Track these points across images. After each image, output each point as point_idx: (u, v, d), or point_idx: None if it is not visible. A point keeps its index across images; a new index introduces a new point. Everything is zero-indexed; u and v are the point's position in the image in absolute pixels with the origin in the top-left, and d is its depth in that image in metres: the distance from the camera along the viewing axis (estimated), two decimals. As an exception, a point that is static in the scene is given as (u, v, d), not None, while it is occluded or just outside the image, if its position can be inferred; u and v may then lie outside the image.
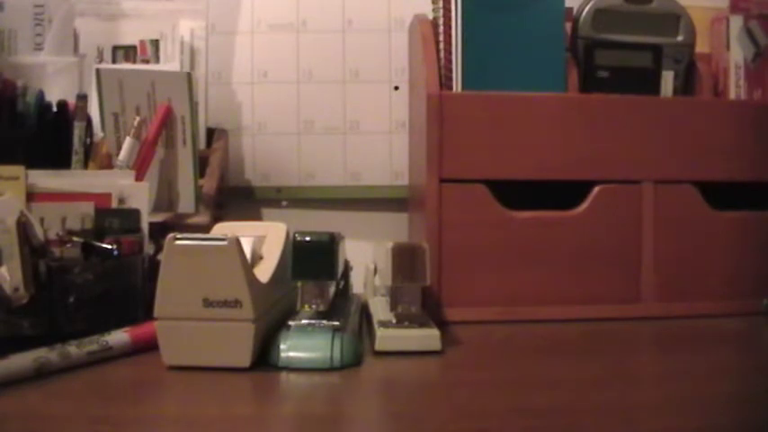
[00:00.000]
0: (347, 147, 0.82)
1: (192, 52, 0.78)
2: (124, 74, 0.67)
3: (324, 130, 0.82)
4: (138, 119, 0.63)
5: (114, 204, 0.56)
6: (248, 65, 0.82)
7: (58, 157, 0.60)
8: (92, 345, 0.42)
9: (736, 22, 0.68)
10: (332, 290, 0.48)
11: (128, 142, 0.62)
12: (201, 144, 0.74)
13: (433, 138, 0.58)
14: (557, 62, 0.62)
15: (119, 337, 0.44)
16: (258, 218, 0.82)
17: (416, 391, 0.40)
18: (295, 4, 0.82)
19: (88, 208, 0.54)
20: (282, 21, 0.82)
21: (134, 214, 0.55)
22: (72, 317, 0.45)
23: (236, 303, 0.40)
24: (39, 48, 0.71)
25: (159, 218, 0.61)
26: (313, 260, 0.44)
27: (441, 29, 0.62)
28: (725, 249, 0.61)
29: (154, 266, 0.50)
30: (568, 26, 0.64)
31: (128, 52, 0.78)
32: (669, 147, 0.60)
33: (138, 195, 0.56)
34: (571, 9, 0.65)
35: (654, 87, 0.64)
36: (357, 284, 0.65)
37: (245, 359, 0.41)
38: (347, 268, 0.60)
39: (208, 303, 0.40)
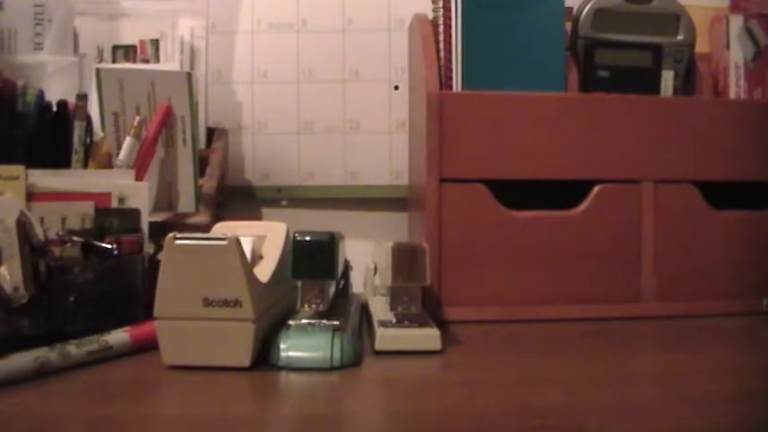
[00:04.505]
0: (347, 146, 0.82)
1: (192, 52, 0.78)
2: (124, 73, 0.67)
3: (324, 129, 0.82)
4: (138, 118, 0.63)
5: (114, 204, 0.56)
6: (248, 64, 0.82)
7: (57, 157, 0.60)
8: (92, 344, 0.42)
9: (736, 22, 0.68)
10: (332, 289, 0.48)
11: (128, 142, 0.62)
12: (201, 144, 0.74)
13: (433, 138, 0.58)
14: (557, 62, 0.62)
15: (119, 336, 0.44)
16: (258, 217, 0.82)
17: (416, 390, 0.40)
18: (295, 4, 0.82)
19: (88, 208, 0.54)
20: (282, 20, 0.82)
21: (134, 214, 0.55)
22: (72, 317, 0.45)
23: (236, 303, 0.40)
24: (39, 48, 0.71)
25: (159, 218, 0.61)
26: (313, 260, 0.44)
27: (441, 29, 0.62)
28: (725, 249, 0.61)
29: (154, 266, 0.49)
30: (568, 26, 0.64)
31: (128, 52, 0.78)
32: (669, 147, 0.60)
33: (138, 195, 0.56)
34: (571, 9, 0.65)
35: (654, 87, 0.64)
36: (357, 284, 0.65)
37: (245, 359, 0.41)
38: (347, 268, 0.61)
39: (208, 303, 0.40)
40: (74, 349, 0.41)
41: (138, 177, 0.60)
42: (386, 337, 0.46)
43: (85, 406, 0.35)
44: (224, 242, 0.40)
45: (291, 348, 0.42)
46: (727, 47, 0.69)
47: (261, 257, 0.48)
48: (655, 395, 0.37)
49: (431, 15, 0.65)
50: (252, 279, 0.41)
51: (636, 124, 0.60)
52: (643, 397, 0.37)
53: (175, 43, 0.77)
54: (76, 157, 0.61)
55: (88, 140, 0.62)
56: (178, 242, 0.40)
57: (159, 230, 0.58)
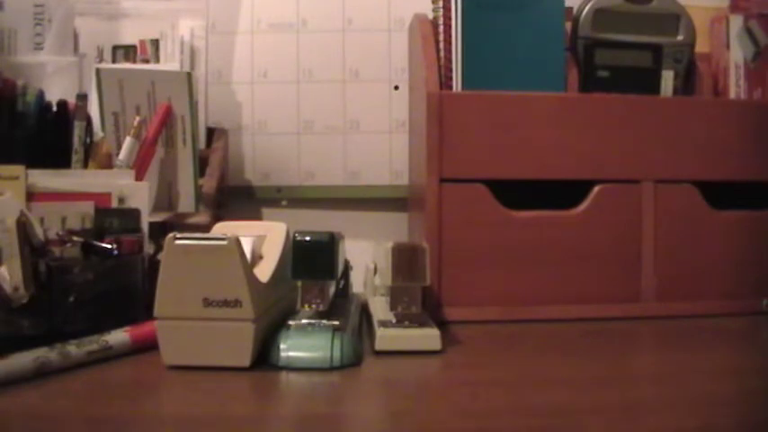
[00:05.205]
0: (347, 146, 0.82)
1: (192, 52, 0.78)
2: (124, 73, 0.67)
3: (324, 129, 0.82)
4: (138, 118, 0.63)
5: (114, 204, 0.56)
6: (248, 64, 0.82)
7: (57, 157, 0.60)
8: (92, 345, 0.42)
9: (736, 22, 0.68)
10: (332, 289, 0.48)
11: (128, 142, 0.62)
12: (201, 144, 0.74)
13: (433, 138, 0.58)
14: (557, 62, 0.62)
15: (119, 336, 0.44)
16: (258, 217, 0.82)
17: (416, 390, 0.40)
18: (295, 4, 0.82)
19: (88, 208, 0.54)
20: (282, 20, 0.82)
21: (134, 214, 0.55)
22: (72, 317, 0.45)
23: (236, 303, 0.40)
24: (39, 48, 0.71)
25: (159, 218, 0.61)
26: (313, 260, 0.44)
27: (441, 29, 0.62)
28: (725, 249, 0.61)
29: (154, 266, 0.49)
30: (568, 26, 0.64)
31: (128, 52, 0.78)
32: (669, 147, 0.60)
33: (138, 195, 0.56)
34: (571, 9, 0.65)
35: (654, 87, 0.64)
36: (357, 284, 0.65)
37: (245, 359, 0.41)
38: (347, 268, 0.61)
39: (208, 303, 0.40)
40: (74, 349, 0.41)
41: (138, 177, 0.60)
42: (386, 337, 0.46)
43: (85, 406, 0.35)
44: (224, 242, 0.40)
45: (291, 348, 0.42)
46: (727, 47, 0.69)
47: (261, 257, 0.48)
48: (655, 395, 0.37)
49: (431, 15, 0.65)
50: (252, 279, 0.41)
51: (636, 124, 0.60)
52: (643, 397, 0.37)
53: (175, 43, 0.77)
54: (76, 157, 0.61)
55: (88, 140, 0.62)
56: (178, 242, 0.40)
57: (159, 230, 0.58)
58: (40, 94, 0.62)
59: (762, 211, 0.62)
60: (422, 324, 0.47)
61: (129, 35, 0.79)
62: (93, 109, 0.65)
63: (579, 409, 0.35)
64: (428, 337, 0.46)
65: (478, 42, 0.60)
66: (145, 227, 0.55)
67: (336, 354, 0.42)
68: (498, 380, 0.41)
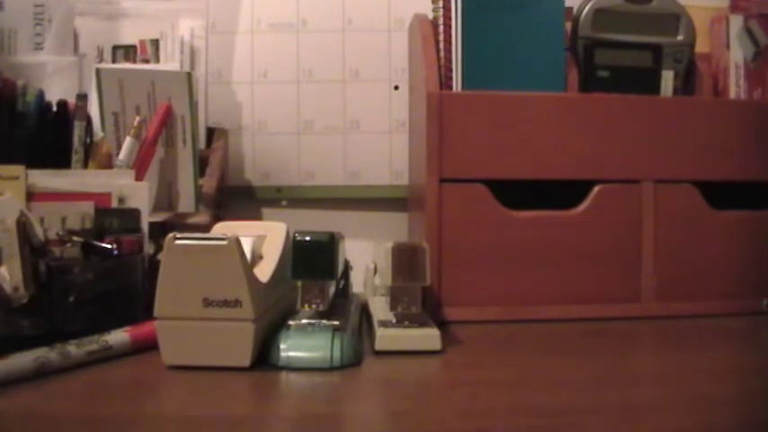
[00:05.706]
0: (347, 146, 0.82)
1: (192, 52, 0.78)
2: (124, 73, 0.67)
3: (324, 129, 0.82)
4: (138, 118, 0.63)
5: (114, 204, 0.56)
6: (248, 64, 0.82)
7: (57, 157, 0.60)
8: (92, 344, 0.42)
9: (736, 22, 0.68)
10: (332, 289, 0.48)
11: (128, 142, 0.62)
12: (201, 144, 0.74)
13: (433, 138, 0.58)
14: (557, 62, 0.62)
15: (119, 336, 0.44)
16: (258, 217, 0.82)
17: (416, 390, 0.40)
18: (295, 4, 0.82)
19: (88, 208, 0.54)
20: (282, 20, 0.82)
21: (134, 214, 0.55)
22: (72, 317, 0.45)
23: (236, 303, 0.40)
24: (39, 48, 0.71)
25: (159, 218, 0.61)
26: (313, 260, 0.44)
27: (441, 29, 0.62)
28: (725, 249, 0.61)
29: (154, 266, 0.49)
30: (568, 26, 0.64)
31: (128, 52, 0.78)
32: (669, 147, 0.60)
33: (138, 195, 0.56)
34: (571, 9, 0.65)
35: (654, 87, 0.64)
36: (357, 284, 0.65)
37: (245, 359, 0.41)
38: (347, 268, 0.61)
39: (208, 303, 0.40)
40: (74, 349, 0.41)
41: (138, 177, 0.60)
42: (386, 337, 0.46)
43: (85, 406, 0.35)
44: (224, 242, 0.40)
45: (291, 348, 0.42)
46: (727, 47, 0.69)
47: (261, 257, 0.48)
48: (655, 395, 0.37)
49: (431, 15, 0.65)
50: (252, 279, 0.41)
51: (636, 124, 0.60)
52: (643, 397, 0.37)
53: (175, 43, 0.77)
54: (76, 157, 0.61)
55: (88, 140, 0.62)
56: (178, 242, 0.40)
57: (159, 230, 0.58)
58: (40, 94, 0.62)
59: (762, 211, 0.62)
60: (422, 324, 0.47)
61: (129, 35, 0.79)
62: (93, 109, 0.65)
63: (579, 409, 0.35)
64: (428, 337, 0.46)
65: (478, 42, 0.60)
66: (145, 227, 0.55)
67: (336, 354, 0.42)
68: (498, 380, 0.41)
